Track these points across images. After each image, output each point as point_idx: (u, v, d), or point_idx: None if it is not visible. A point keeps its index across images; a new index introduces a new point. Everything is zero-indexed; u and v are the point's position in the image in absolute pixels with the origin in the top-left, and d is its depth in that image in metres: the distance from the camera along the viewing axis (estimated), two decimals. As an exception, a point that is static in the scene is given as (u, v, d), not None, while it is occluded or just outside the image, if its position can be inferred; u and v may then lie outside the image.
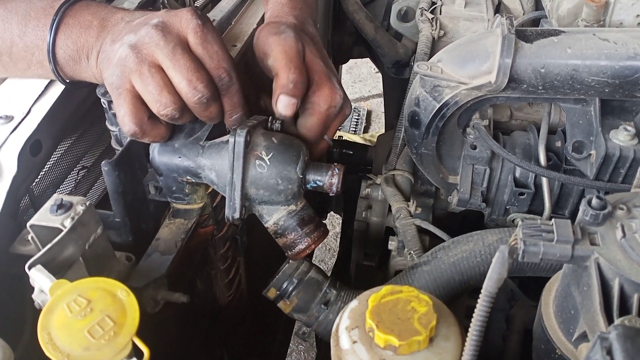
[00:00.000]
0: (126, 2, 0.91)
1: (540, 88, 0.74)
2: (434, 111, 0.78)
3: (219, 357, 1.03)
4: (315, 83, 0.74)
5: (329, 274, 0.81)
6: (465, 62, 0.76)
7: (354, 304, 0.61)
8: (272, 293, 0.77)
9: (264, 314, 1.15)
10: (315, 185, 0.71)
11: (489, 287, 0.52)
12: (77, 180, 0.96)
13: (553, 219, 0.53)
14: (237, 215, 0.68)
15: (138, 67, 0.64)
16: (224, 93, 0.68)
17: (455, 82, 0.76)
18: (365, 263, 1.10)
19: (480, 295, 0.53)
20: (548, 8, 1.01)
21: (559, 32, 0.75)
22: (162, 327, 0.72)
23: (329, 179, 0.71)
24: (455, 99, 0.76)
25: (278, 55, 0.71)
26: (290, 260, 0.77)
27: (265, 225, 0.73)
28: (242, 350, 1.11)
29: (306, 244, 0.72)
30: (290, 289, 0.76)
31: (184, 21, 0.66)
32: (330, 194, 0.72)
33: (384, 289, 0.58)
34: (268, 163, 0.67)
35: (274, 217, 0.71)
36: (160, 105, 0.64)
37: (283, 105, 0.71)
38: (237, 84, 0.68)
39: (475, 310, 0.52)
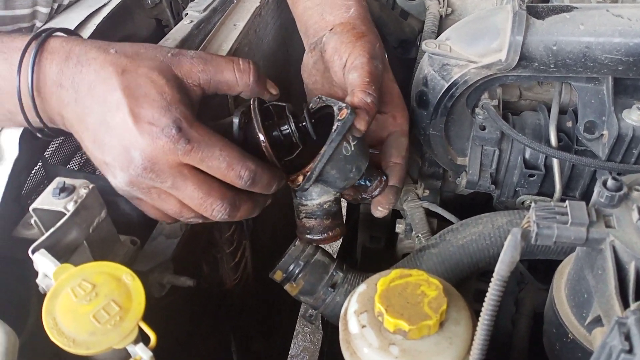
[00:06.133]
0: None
1: (551, 66, 0.72)
2: (442, 91, 0.76)
3: (226, 340, 1.03)
4: (392, 107, 0.77)
5: (334, 257, 0.80)
6: (474, 39, 0.74)
7: (362, 287, 0.60)
8: (278, 275, 0.77)
9: (271, 296, 1.15)
10: (362, 184, 0.75)
11: (501, 270, 0.51)
12: (80, 164, 0.95)
13: (567, 201, 0.52)
14: (309, 184, 0.67)
15: (147, 203, 0.64)
16: (252, 186, 0.63)
17: (464, 61, 0.74)
18: (371, 246, 1.09)
19: (492, 279, 0.51)
20: (559, -16, 0.98)
21: (571, 8, 0.73)
22: (168, 311, 0.72)
23: (376, 185, 0.75)
24: (465, 77, 0.75)
25: (364, 73, 0.71)
26: (297, 243, 0.76)
27: (304, 202, 0.73)
28: (250, 332, 1.11)
29: (323, 236, 0.74)
30: (297, 271, 0.76)
31: (169, 151, 0.58)
32: (367, 197, 0.75)
33: (393, 272, 0.57)
34: (352, 149, 0.68)
35: (323, 198, 0.73)
36: (190, 218, 0.65)
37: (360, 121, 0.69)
38: (263, 171, 0.63)
39: (487, 294, 0.51)
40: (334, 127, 0.66)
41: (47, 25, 0.87)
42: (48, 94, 0.62)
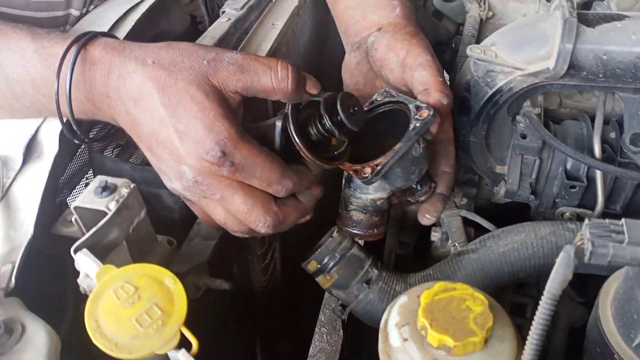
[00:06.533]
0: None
1: (600, 76, 0.71)
2: (485, 98, 0.75)
3: (252, 341, 1.02)
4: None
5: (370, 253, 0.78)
6: (521, 46, 0.72)
7: (403, 299, 0.59)
8: (312, 266, 0.75)
9: (294, 298, 1.14)
10: (412, 187, 0.74)
11: (552, 288, 0.49)
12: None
13: (623, 219, 0.50)
14: (376, 178, 0.66)
15: (198, 207, 0.65)
16: (299, 193, 0.66)
17: (510, 68, 0.72)
18: (400, 252, 1.07)
19: (543, 297, 0.50)
20: (605, -10, 0.96)
21: (622, 17, 0.71)
22: (200, 312, 0.71)
23: (425, 190, 0.74)
24: (510, 85, 0.73)
25: (434, 72, 0.71)
26: (334, 234, 0.75)
27: (358, 194, 0.73)
28: (275, 334, 1.11)
29: (367, 232, 0.73)
30: (332, 264, 0.73)
31: (216, 171, 0.59)
32: (411, 201, 0.75)
33: (437, 285, 0.56)
34: (420, 151, 0.68)
35: (378, 194, 0.72)
36: (236, 230, 0.66)
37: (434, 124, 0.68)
38: (303, 182, 0.65)
39: (537, 312, 0.50)
40: (412, 126, 0.65)
41: (87, 20, 0.86)
42: (98, 102, 0.63)
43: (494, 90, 0.73)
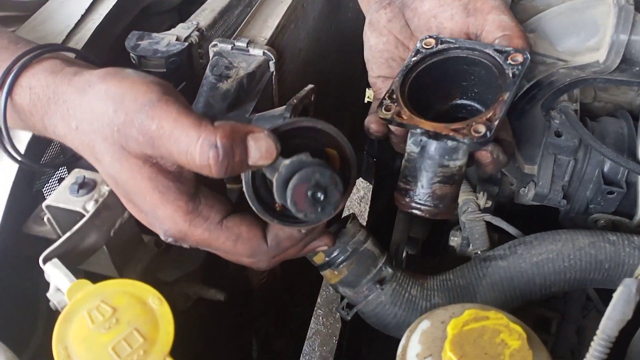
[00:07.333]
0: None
1: (655, 72, 0.62)
2: (521, 91, 0.66)
3: (248, 340, 0.95)
4: None
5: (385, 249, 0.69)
6: (566, 34, 0.64)
7: (425, 324, 0.51)
8: (319, 258, 0.65)
9: (291, 291, 1.06)
10: None
11: (608, 329, 0.42)
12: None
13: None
14: (491, 134, 0.55)
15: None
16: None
17: (552, 59, 0.64)
18: (408, 250, 1.00)
19: (596, 337, 0.43)
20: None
21: (683, 5, 0.62)
22: (189, 322, 0.63)
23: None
24: (551, 78, 0.64)
25: (513, 17, 0.61)
26: (348, 225, 0.65)
27: (446, 162, 0.59)
28: (271, 334, 1.04)
29: (446, 209, 0.60)
30: (342, 258, 0.64)
31: (196, 231, 0.50)
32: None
33: (466, 313, 0.48)
34: None
35: (465, 159, 0.59)
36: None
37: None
38: (290, 243, 0.54)
39: (588, 355, 0.42)
40: (509, 73, 0.55)
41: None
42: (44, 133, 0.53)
43: (531, 83, 0.65)
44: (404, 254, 0.93)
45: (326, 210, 0.48)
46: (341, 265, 0.65)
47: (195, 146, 0.44)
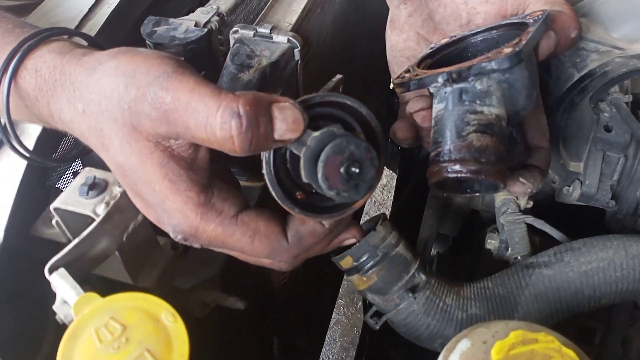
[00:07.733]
0: None
1: None
2: (571, 82, 0.60)
3: (269, 339, 0.92)
4: None
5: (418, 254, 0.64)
6: (623, 19, 0.58)
7: (464, 344, 0.46)
8: (346, 262, 0.60)
9: (313, 289, 1.02)
10: (512, 135, 0.58)
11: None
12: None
13: None
14: (519, 57, 0.50)
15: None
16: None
17: (607, 46, 0.58)
18: (438, 247, 0.95)
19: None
20: None
21: None
22: (207, 328, 0.60)
23: (522, 148, 0.58)
24: (605, 68, 0.58)
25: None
26: (378, 227, 0.59)
27: (479, 107, 0.51)
28: (292, 334, 1.00)
29: (494, 167, 0.50)
30: (371, 263, 0.59)
31: (206, 228, 0.45)
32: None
33: (512, 334, 0.43)
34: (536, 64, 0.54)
35: (502, 111, 0.52)
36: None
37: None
38: (313, 241, 0.49)
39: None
40: (533, 20, 0.51)
41: None
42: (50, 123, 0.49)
43: (583, 73, 0.59)
44: (433, 254, 0.88)
45: (360, 188, 0.43)
46: (370, 271, 0.60)
47: (216, 116, 0.39)
